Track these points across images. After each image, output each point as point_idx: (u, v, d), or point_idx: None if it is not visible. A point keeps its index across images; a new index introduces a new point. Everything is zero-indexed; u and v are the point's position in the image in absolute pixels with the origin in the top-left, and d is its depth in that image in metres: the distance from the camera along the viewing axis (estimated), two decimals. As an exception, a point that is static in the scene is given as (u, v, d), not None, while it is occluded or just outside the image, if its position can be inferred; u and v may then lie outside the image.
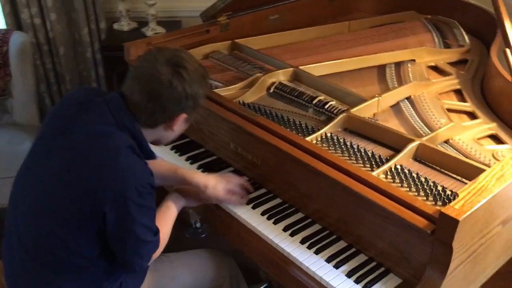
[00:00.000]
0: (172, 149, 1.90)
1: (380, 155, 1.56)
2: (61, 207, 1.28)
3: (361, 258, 1.42)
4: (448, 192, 1.39)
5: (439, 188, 1.41)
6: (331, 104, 1.79)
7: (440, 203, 1.36)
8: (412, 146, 1.55)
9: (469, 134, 1.70)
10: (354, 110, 1.73)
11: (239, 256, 1.76)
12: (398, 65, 2.15)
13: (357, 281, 1.35)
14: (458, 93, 2.01)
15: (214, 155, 1.87)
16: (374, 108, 1.81)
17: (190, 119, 1.45)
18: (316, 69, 2.06)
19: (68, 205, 1.27)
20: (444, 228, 1.17)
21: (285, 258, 1.46)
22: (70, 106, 1.38)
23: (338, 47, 2.29)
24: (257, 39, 2.34)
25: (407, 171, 1.48)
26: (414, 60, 2.18)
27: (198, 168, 1.81)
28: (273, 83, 1.99)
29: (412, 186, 1.43)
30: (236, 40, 2.30)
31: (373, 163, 1.53)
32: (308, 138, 1.62)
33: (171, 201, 1.55)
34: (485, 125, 1.76)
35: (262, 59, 2.18)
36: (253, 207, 1.61)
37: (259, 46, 2.31)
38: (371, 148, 1.62)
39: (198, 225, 2.77)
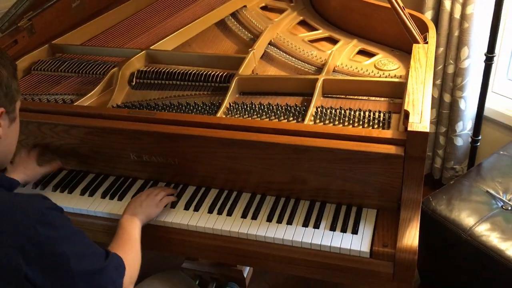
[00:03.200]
0: (54, 189, 1.56)
1: (296, 104, 1.52)
2: None
3: (331, 208, 1.40)
4: (377, 114, 1.44)
5: (367, 114, 1.45)
6: (215, 74, 1.66)
7: (379, 127, 1.40)
8: (319, 84, 1.54)
9: (345, 57, 1.77)
10: (241, 71, 1.64)
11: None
12: (234, 15, 2.09)
13: (343, 230, 1.33)
14: (304, 24, 2.06)
15: (111, 175, 1.59)
16: (253, 63, 1.74)
17: (12, 119, 1.10)
18: (165, 44, 1.87)
19: None
20: (415, 144, 1.22)
21: (261, 243, 1.35)
22: None
23: (163, 17, 2.12)
24: (75, 34, 2.01)
25: (329, 110, 1.48)
26: (245, 6, 2.14)
27: (102, 197, 1.52)
28: (132, 74, 1.75)
29: (345, 121, 1.43)
30: (54, 42, 1.94)
31: (296, 114, 1.48)
32: (218, 115, 1.48)
33: (126, 222, 1.31)
34: (349, 44, 1.85)
35: (100, 52, 1.89)
36: (195, 209, 1.44)
37: (80, 40, 2.00)
38: (279, 101, 1.56)
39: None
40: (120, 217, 1.36)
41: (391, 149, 1.25)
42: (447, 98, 2.10)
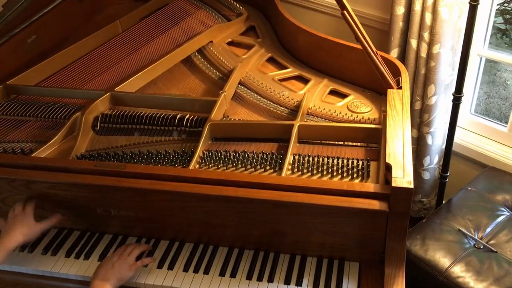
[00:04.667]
0: (21, 250, 1.44)
1: (272, 152, 1.48)
2: None
3: (312, 262, 1.35)
4: (355, 163, 1.41)
5: (345, 162, 1.42)
6: (186, 118, 1.60)
7: (358, 176, 1.37)
8: (294, 130, 1.50)
9: (317, 98, 1.74)
10: (213, 116, 1.58)
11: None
12: (201, 51, 2.04)
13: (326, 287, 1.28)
14: (272, 61, 2.02)
15: (75, 229, 1.49)
16: (224, 105, 1.68)
17: None
18: (131, 84, 1.79)
19: None
20: (399, 200, 1.19)
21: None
22: None
23: (126, 52, 2.03)
24: (30, 73, 1.90)
25: (307, 157, 1.44)
26: (211, 42, 2.09)
27: (67, 256, 1.42)
28: (96, 118, 1.66)
29: (324, 171, 1.40)
30: (9, 82, 1.82)
31: (273, 163, 1.43)
32: (191, 167, 1.41)
33: None
34: (320, 84, 1.82)
35: (60, 94, 1.79)
36: (169, 267, 1.36)
37: (37, 79, 1.90)
38: (254, 148, 1.51)
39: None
40: (89, 279, 1.26)
41: (375, 205, 1.21)
42: (414, 133, 2.11)
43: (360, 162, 1.41)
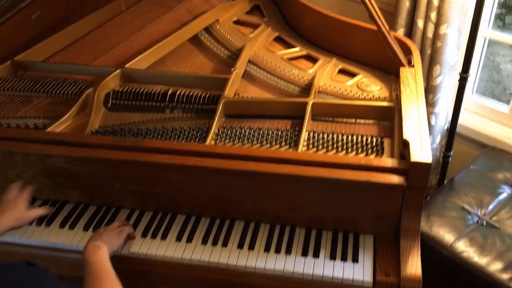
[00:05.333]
0: (38, 224, 1.44)
1: (287, 128, 1.50)
2: None
3: (328, 236, 1.38)
4: (369, 139, 1.44)
5: (359, 138, 1.45)
6: (200, 96, 1.60)
7: (373, 152, 1.40)
8: (309, 108, 1.52)
9: (327, 77, 1.76)
10: (227, 93, 1.59)
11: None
12: (208, 30, 2.04)
13: (343, 259, 1.32)
14: (279, 40, 2.03)
15: (92, 204, 1.50)
16: (236, 83, 1.69)
17: None
18: (138, 63, 1.79)
19: None
20: (418, 175, 1.22)
21: (259, 274, 1.32)
22: None
23: (131, 30, 2.02)
24: (36, 49, 1.89)
25: (321, 135, 1.46)
26: (217, 20, 2.09)
27: (85, 229, 1.43)
28: (107, 94, 1.66)
29: (339, 147, 1.42)
30: (16, 58, 1.81)
31: (288, 140, 1.45)
32: (207, 143, 1.43)
33: (91, 255, 1.21)
34: (329, 64, 1.84)
35: (69, 70, 1.78)
36: (188, 241, 1.38)
37: (42, 56, 1.89)
38: (269, 125, 1.53)
39: None
40: None
41: (393, 179, 1.24)
42: (417, 113, 2.15)
43: (374, 139, 1.43)
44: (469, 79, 1.93)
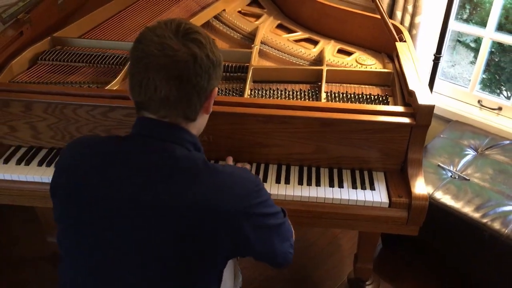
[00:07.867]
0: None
1: (308, 89, 1.81)
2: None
3: (347, 173, 1.69)
4: (377, 96, 1.78)
5: (368, 96, 1.78)
6: (230, 65, 1.89)
7: (382, 105, 1.74)
8: (324, 73, 1.84)
9: (329, 54, 2.10)
10: (254, 63, 1.88)
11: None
12: (217, 18, 2.32)
13: (363, 188, 1.63)
14: (281, 27, 2.35)
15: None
16: (257, 57, 1.99)
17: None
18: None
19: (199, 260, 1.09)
20: (424, 115, 1.56)
21: (296, 202, 1.60)
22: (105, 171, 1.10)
23: (148, 17, 2.27)
24: (72, 28, 2.10)
25: (337, 94, 1.79)
26: (224, 10, 2.38)
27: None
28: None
29: (355, 101, 1.75)
30: (55, 35, 2.02)
31: (312, 96, 1.77)
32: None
33: None
34: (329, 45, 2.18)
35: (104, 45, 2.01)
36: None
37: (76, 34, 2.10)
38: (291, 87, 1.84)
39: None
40: None
41: (405, 119, 1.58)
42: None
43: (380, 97, 1.77)
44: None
